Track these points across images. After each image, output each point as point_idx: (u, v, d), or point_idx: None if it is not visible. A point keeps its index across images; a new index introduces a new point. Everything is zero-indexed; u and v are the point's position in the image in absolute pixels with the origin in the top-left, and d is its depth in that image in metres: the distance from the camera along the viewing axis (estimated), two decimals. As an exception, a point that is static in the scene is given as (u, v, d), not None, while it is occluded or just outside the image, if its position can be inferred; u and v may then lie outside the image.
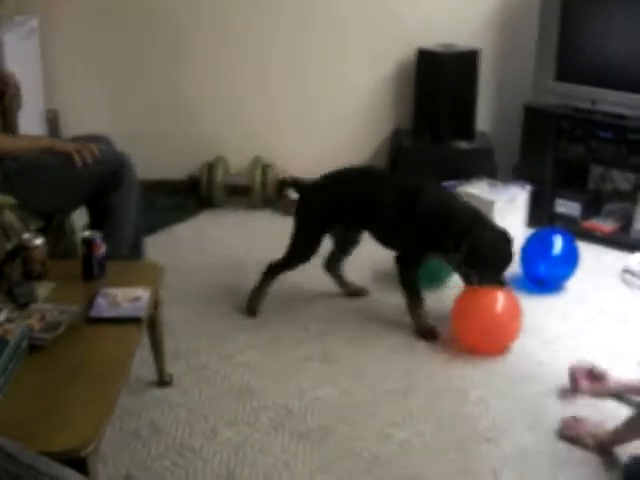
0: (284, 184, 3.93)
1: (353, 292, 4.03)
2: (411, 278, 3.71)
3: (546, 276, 4.07)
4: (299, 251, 3.82)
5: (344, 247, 3.97)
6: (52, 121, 4.91)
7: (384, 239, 3.81)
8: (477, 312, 3.54)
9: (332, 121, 5.18)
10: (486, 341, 3.54)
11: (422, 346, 3.58)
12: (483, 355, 3.49)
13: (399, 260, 3.72)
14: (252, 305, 3.84)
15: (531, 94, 4.74)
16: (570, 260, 4.11)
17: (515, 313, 3.55)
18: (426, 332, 3.66)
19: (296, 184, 4.04)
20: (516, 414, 3.10)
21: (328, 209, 3.78)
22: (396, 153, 4.97)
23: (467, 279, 3.63)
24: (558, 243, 4.08)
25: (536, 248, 4.12)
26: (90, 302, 2.79)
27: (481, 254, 3.51)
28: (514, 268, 3.90)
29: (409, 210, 3.63)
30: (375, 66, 5.11)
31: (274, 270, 3.85)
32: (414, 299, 3.69)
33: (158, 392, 3.22)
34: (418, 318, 3.68)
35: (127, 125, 4.97)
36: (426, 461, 2.84)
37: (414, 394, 3.23)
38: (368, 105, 5.18)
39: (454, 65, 4.82)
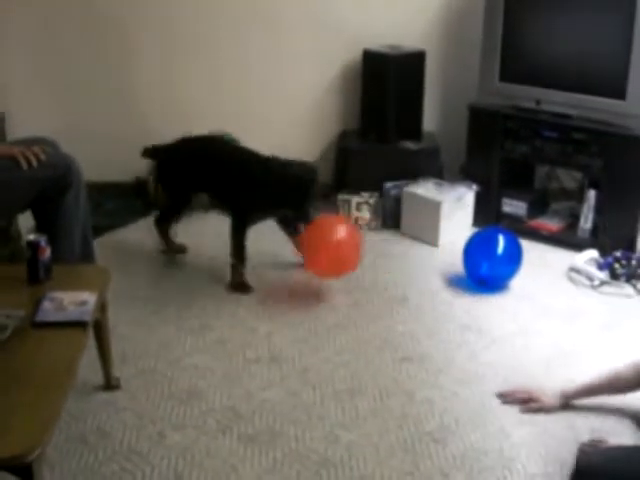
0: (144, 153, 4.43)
1: (176, 249, 4.49)
2: (242, 239, 4.09)
3: (489, 275, 4.10)
4: (170, 207, 4.44)
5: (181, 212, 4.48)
6: (-2, 124, 4.86)
7: (223, 204, 4.27)
8: (324, 242, 3.98)
9: (279, 123, 5.18)
10: (334, 266, 4.02)
11: (370, 347, 3.60)
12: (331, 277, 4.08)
13: (234, 223, 4.11)
14: (168, 248, 4.48)
15: (476, 94, 4.78)
16: (513, 259, 4.14)
17: (356, 240, 4.06)
18: (240, 285, 4.09)
19: (153, 150, 4.43)
20: (463, 414, 3.12)
21: (181, 173, 4.32)
22: (343, 154, 4.99)
23: (287, 229, 4.29)
24: (501, 242, 4.12)
25: (479, 248, 4.15)
26: (36, 306, 2.77)
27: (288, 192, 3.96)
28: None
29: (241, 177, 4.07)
30: (321, 67, 5.12)
31: (159, 224, 4.46)
32: (240, 256, 4.10)
33: (105, 396, 3.20)
34: (238, 273, 4.11)
35: (73, 127, 4.92)
36: (374, 462, 2.85)
37: (361, 395, 3.24)
38: (315, 106, 5.20)
39: (400, 66, 4.84)
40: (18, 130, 4.62)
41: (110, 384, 3.23)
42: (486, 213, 4.73)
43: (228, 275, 4.10)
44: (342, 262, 4.01)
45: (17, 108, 4.92)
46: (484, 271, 4.09)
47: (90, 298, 2.83)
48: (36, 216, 3.56)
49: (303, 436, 2.98)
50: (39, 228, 3.48)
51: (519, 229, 4.56)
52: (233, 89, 5.15)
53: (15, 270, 3.08)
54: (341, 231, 4.00)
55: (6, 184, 3.41)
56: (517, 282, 4.16)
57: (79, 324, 2.70)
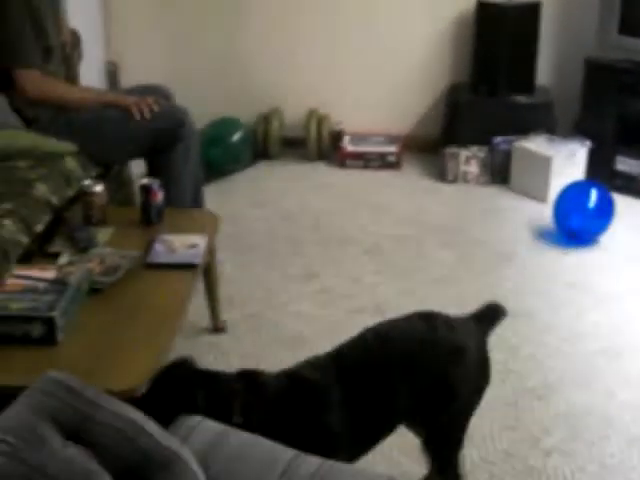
0: None
1: None
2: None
3: (580, 229, 4.06)
4: None
5: None
6: (112, 73, 4.94)
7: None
8: None
9: (388, 74, 5.14)
10: None
11: (474, 301, 3.52)
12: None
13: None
14: None
15: (594, 48, 4.67)
16: (604, 213, 4.07)
17: None
18: None
19: None
20: (567, 372, 3.09)
21: None
22: (453, 107, 4.93)
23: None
24: (593, 196, 4.05)
25: (570, 201, 4.08)
26: (148, 248, 2.84)
27: None
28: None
29: None
30: (434, 18, 5.05)
31: None
32: None
33: (212, 338, 3.27)
34: None
35: (184, 77, 4.97)
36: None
37: (465, 348, 3.23)
38: (425, 58, 5.13)
39: (515, 17, 4.74)
40: (131, 79, 4.69)
41: (217, 327, 3.30)
42: (599, 171, 4.60)
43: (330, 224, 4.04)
44: None
45: (130, 57, 5.00)
46: (575, 225, 4.05)
47: (200, 242, 2.88)
48: (148, 165, 3.61)
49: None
50: (151, 175, 3.52)
51: (633, 188, 4.46)
52: (342, 40, 5.12)
53: (128, 212, 3.17)
54: None
55: (118, 135, 3.47)
56: (626, 243, 4.08)
57: (189, 266, 2.76)
